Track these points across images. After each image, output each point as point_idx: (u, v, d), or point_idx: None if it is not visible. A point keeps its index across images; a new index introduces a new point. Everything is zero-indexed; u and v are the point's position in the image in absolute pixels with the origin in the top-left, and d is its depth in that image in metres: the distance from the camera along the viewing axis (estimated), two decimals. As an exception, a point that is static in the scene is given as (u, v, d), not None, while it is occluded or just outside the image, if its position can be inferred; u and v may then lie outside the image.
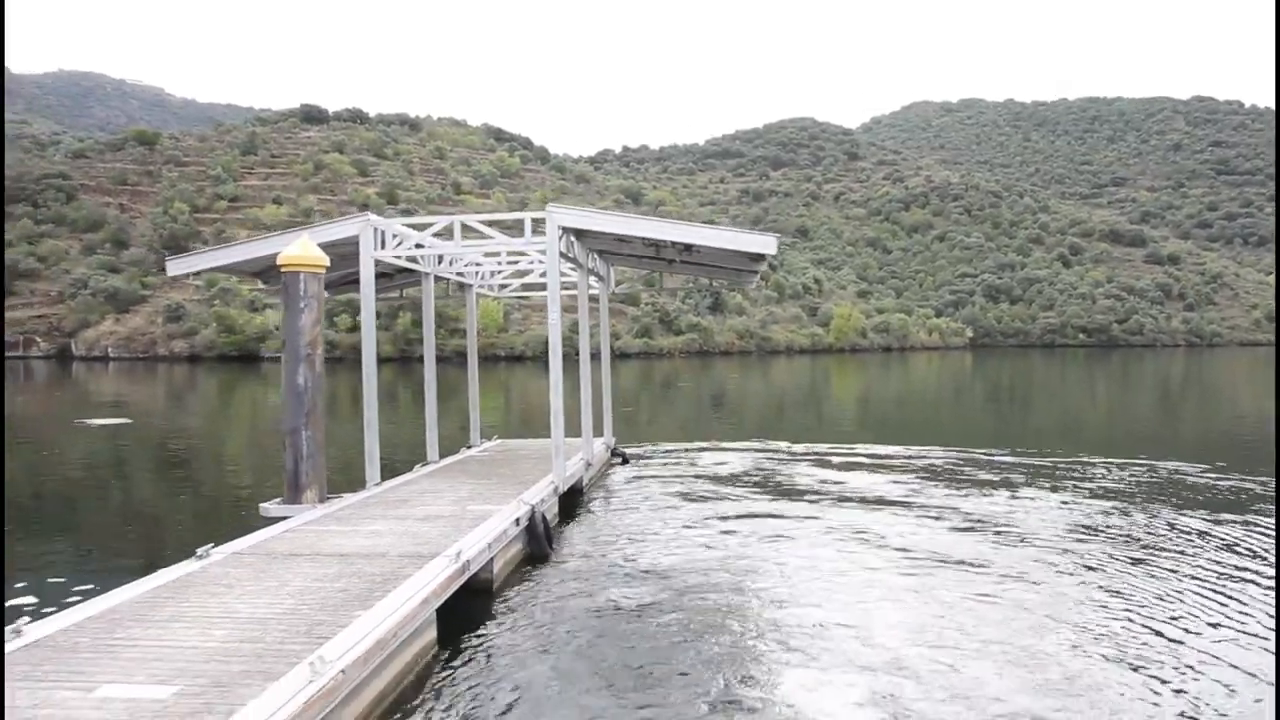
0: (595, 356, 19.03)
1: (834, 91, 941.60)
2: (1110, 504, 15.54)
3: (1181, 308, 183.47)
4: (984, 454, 22.34)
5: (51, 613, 7.29)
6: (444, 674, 7.67)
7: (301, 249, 12.35)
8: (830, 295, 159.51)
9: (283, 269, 12.29)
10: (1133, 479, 18.31)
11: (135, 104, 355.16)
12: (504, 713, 6.86)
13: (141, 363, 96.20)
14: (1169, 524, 13.77)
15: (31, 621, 7.02)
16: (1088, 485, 17.70)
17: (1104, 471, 19.28)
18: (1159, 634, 8.62)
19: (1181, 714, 6.80)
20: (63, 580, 11.01)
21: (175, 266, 14.88)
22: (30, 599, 9.99)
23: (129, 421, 33.64)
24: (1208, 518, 14.19)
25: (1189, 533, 13.16)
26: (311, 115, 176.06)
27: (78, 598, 7.86)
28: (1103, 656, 7.98)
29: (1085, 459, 21.24)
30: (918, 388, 59.40)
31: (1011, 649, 8.16)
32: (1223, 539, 12.72)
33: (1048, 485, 17.64)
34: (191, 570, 8.71)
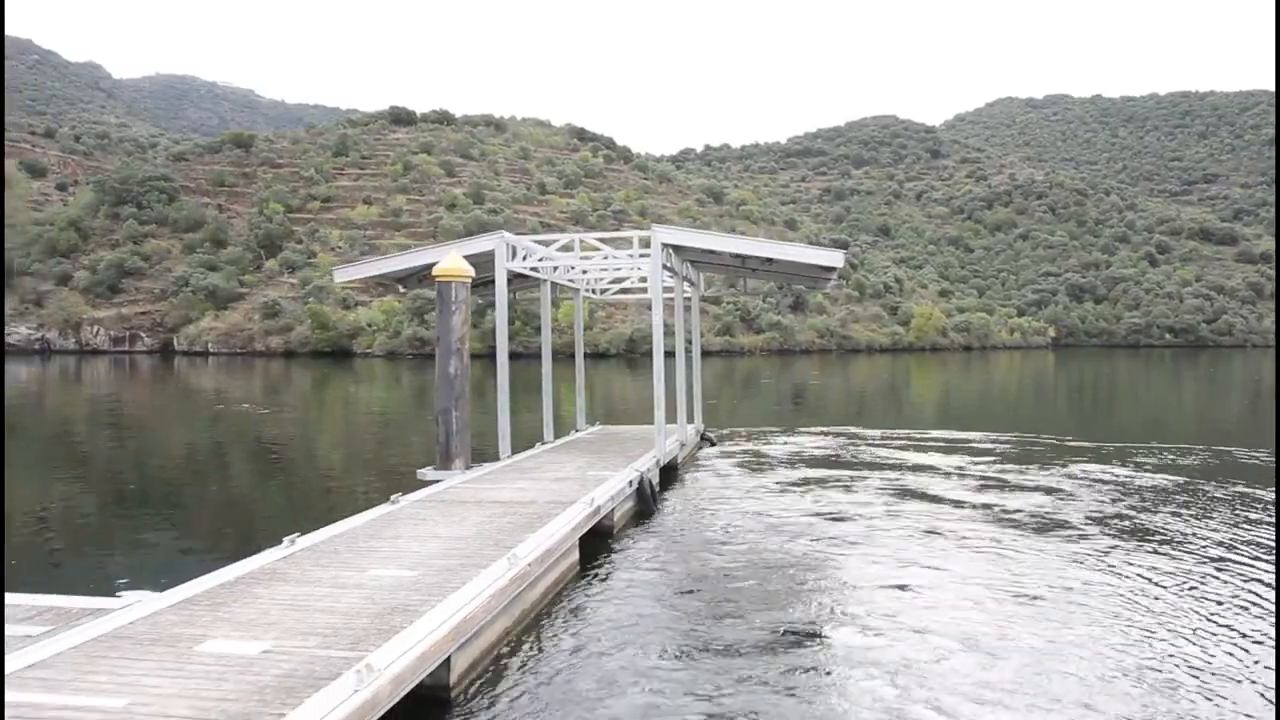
0: (686, 352, 21.71)
1: (917, 89, 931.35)
2: (1169, 479, 17.83)
3: (1275, 307, 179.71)
4: (1056, 439, 24.66)
5: (292, 536, 9.93)
6: (587, 580, 10.52)
7: (452, 262, 15.08)
8: (911, 294, 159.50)
9: (437, 278, 15.03)
10: (1199, 462, 20.37)
11: (227, 105, 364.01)
12: (630, 605, 9.58)
13: (240, 357, 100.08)
14: (1221, 498, 15.91)
15: (298, 536, 9.77)
16: (1151, 463, 19.95)
17: (1171, 456, 21.35)
18: (1162, 580, 10.87)
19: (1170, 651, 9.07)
20: (277, 516, 13.96)
21: (342, 274, 17.80)
22: (262, 524, 12.85)
23: (264, 410, 37.23)
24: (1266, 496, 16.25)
25: (1244, 508, 15.21)
26: (400, 117, 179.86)
27: (301, 529, 10.43)
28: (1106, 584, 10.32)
29: (1156, 445, 23.33)
30: (998, 384, 60.99)
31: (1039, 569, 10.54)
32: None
33: (1113, 463, 20.01)
34: (391, 510, 11.59)
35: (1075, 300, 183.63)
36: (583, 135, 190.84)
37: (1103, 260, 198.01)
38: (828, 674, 7.62)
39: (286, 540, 9.54)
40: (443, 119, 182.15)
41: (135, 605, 7.41)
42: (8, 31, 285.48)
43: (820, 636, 8.56)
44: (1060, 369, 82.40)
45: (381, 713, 5.74)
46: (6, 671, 5.91)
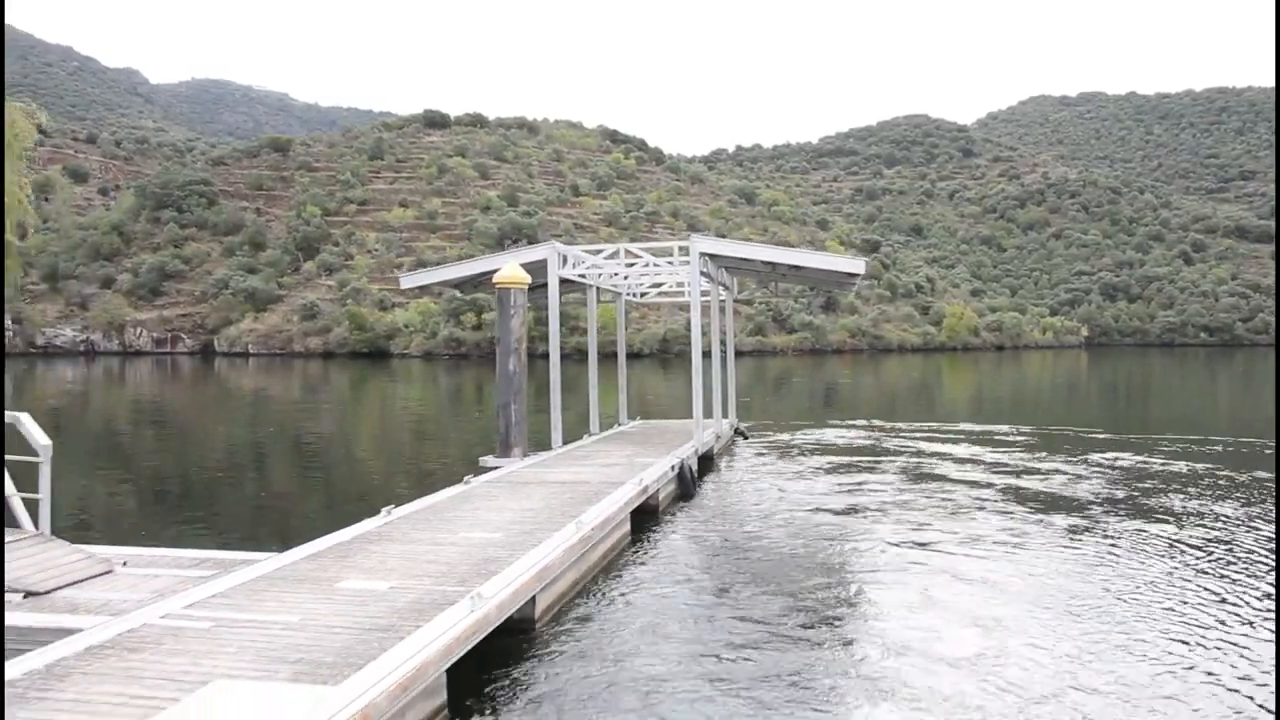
0: (720, 352, 23.39)
1: (949, 87, 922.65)
2: (1186, 466, 19.44)
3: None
4: (1083, 432, 26.32)
5: (389, 507, 11.54)
6: (638, 546, 12.29)
7: (511, 270, 16.77)
8: (943, 294, 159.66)
9: (497, 285, 16.71)
10: (1219, 452, 21.90)
11: (261, 109, 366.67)
12: (674, 564, 11.35)
13: (279, 358, 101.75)
14: (1233, 484, 17.34)
15: (394, 508, 11.45)
16: (1171, 452, 21.58)
17: (1193, 447, 22.84)
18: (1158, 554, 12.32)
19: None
20: (367, 492, 15.69)
21: (409, 281, 19.62)
22: (356, 502, 14.57)
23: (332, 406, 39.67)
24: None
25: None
26: (434, 120, 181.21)
27: (394, 502, 11.98)
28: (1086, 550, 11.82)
29: (1179, 437, 24.90)
30: (1030, 382, 62.30)
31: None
32: None
33: (1134, 453, 21.60)
34: (465, 489, 13.32)
35: (1109, 299, 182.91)
36: (615, 137, 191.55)
37: (1136, 259, 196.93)
38: (844, 606, 9.29)
39: (384, 511, 11.23)
40: (476, 121, 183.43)
41: (275, 557, 9.11)
42: (49, 39, 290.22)
43: (841, 579, 10.32)
44: (1093, 368, 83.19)
45: (489, 630, 7.39)
46: (199, 597, 7.57)
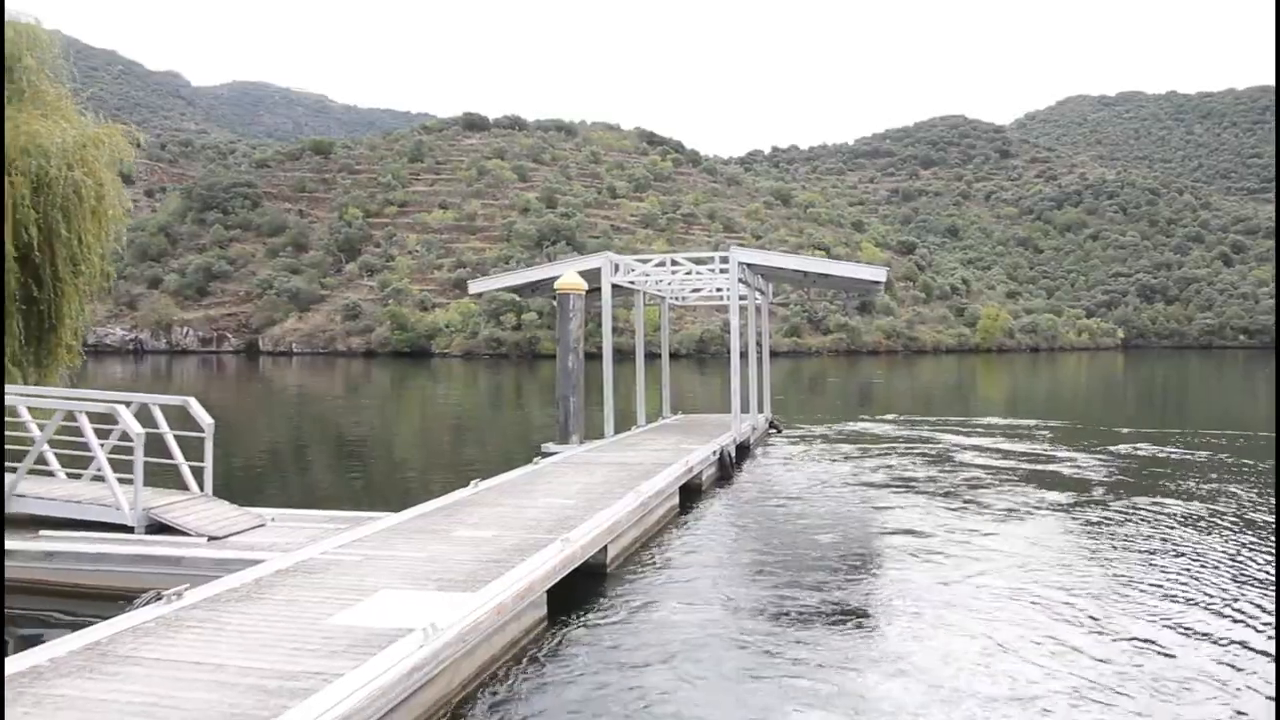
0: (756, 351, 25.37)
1: (986, 88, 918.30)
2: (1201, 455, 21.17)
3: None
4: (1111, 427, 28.07)
5: (475, 480, 13.49)
6: (685, 517, 14.32)
7: (570, 277, 18.85)
8: (979, 295, 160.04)
9: (558, 290, 18.74)
10: (1239, 446, 23.58)
11: (300, 110, 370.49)
12: (716, 530, 13.51)
13: (322, 357, 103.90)
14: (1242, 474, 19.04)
15: (480, 480, 13.40)
16: (1190, 444, 23.39)
17: (1211, 440, 24.57)
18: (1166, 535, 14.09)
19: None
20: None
21: (476, 286, 21.80)
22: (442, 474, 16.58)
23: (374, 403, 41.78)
24: None
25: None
26: (473, 123, 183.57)
27: (476, 478, 13.85)
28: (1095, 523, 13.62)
29: (1199, 431, 26.70)
30: (1066, 383, 63.72)
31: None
32: None
33: (1152, 445, 23.40)
34: (536, 468, 15.46)
35: (1146, 301, 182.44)
36: (652, 139, 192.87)
37: (1175, 261, 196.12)
38: (863, 555, 11.24)
39: (473, 483, 13.28)
40: (514, 124, 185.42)
41: (392, 516, 11.15)
42: (95, 44, 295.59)
43: (864, 536, 12.46)
44: (1129, 369, 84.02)
45: (575, 566, 9.40)
46: (344, 541, 9.58)
